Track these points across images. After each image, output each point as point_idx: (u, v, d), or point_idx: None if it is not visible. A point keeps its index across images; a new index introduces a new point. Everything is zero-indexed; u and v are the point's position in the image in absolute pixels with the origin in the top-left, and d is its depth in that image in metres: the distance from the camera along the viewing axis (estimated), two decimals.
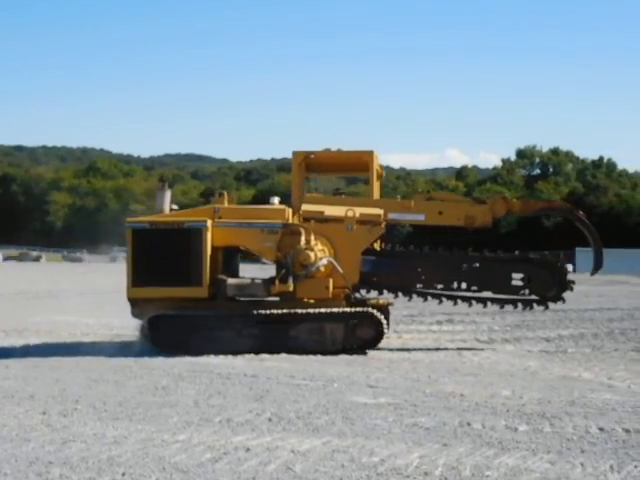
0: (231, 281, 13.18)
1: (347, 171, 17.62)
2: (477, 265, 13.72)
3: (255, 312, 13.06)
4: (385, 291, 13.96)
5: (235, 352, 12.62)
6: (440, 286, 13.81)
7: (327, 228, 13.59)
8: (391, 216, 13.95)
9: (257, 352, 12.64)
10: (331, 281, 13.32)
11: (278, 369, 11.27)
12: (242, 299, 13.37)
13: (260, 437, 7.33)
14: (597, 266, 14.18)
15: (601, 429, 7.61)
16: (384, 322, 13.24)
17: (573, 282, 13.71)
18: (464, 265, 13.70)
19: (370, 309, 13.20)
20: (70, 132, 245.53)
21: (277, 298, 13.36)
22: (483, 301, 13.85)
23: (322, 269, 13.23)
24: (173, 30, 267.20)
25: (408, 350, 13.51)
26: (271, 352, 12.63)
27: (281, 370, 11.18)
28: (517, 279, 13.73)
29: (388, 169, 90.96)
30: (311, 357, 12.39)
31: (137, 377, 10.63)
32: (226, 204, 13.87)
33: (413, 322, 17.81)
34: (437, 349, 13.65)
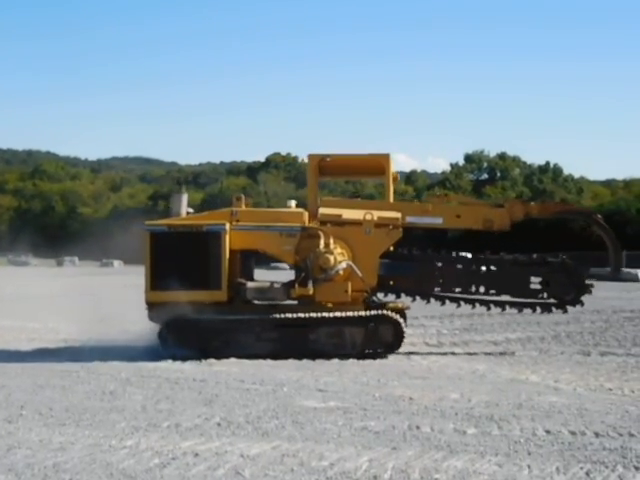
0: (250, 285, 13.16)
1: (362, 174, 17.10)
2: (495, 268, 13.71)
3: (274, 316, 13.01)
4: (403, 295, 13.86)
5: (254, 356, 12.56)
6: (458, 289, 13.78)
7: (345, 231, 13.48)
8: (409, 219, 13.83)
9: (276, 356, 12.58)
10: (350, 284, 13.24)
11: (227, 373, 11.22)
12: (259, 303, 13.31)
13: (209, 442, 7.29)
14: (617, 270, 14.21)
15: (548, 431, 7.69)
16: (404, 325, 13.22)
17: (592, 285, 13.67)
18: (482, 268, 13.70)
19: (390, 312, 13.13)
20: (15, 134, 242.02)
21: (295, 302, 13.28)
22: (501, 305, 13.79)
23: (341, 272, 13.15)
24: (117, 34, 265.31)
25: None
26: (290, 357, 12.58)
27: (230, 374, 11.12)
28: (535, 282, 13.71)
29: None
30: (261, 361, 12.36)
31: (84, 382, 10.51)
32: (243, 207, 13.82)
33: None
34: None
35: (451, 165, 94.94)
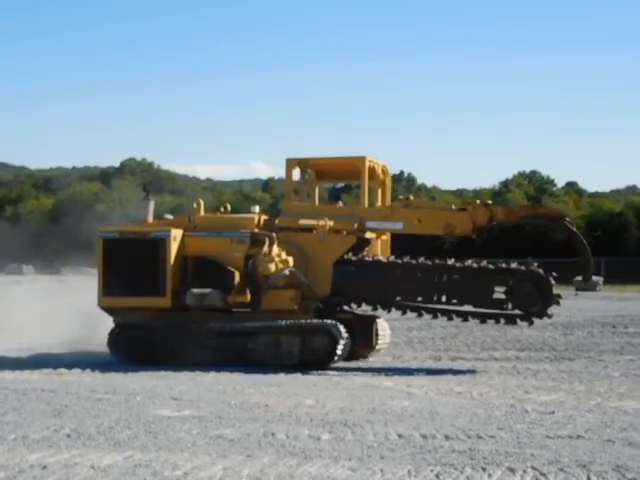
0: (190, 291, 12.80)
1: (341, 178, 16.63)
2: (457, 277, 12.99)
3: (212, 324, 12.76)
4: (363, 304, 13.41)
5: (195, 364, 12.29)
6: (420, 299, 13.10)
7: (300, 238, 13.21)
8: (369, 225, 13.43)
9: (218, 364, 12.31)
10: (297, 292, 12.93)
11: (79, 383, 10.93)
12: (202, 310, 13.02)
13: (58, 454, 7.06)
14: (587, 275, 13.61)
15: (400, 435, 7.82)
16: (342, 336, 12.62)
17: (559, 296, 12.81)
18: (444, 277, 12.99)
19: (330, 322, 12.68)
20: None
21: (247, 309, 13.01)
22: (464, 315, 13.09)
23: (285, 280, 12.82)
24: None
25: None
26: (231, 365, 12.33)
27: (82, 384, 10.84)
28: (500, 292, 12.93)
29: (194, 180, 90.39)
30: (112, 371, 12.09)
31: None
32: (202, 213, 13.44)
33: None
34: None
35: None
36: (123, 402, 9.56)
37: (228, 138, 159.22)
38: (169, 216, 14.16)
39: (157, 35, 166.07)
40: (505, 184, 74.23)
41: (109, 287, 13.06)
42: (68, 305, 19.59)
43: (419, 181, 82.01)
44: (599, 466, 6.66)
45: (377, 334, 13.97)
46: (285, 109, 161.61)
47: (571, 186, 75.62)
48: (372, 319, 13.88)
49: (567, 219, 13.60)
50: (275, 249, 12.89)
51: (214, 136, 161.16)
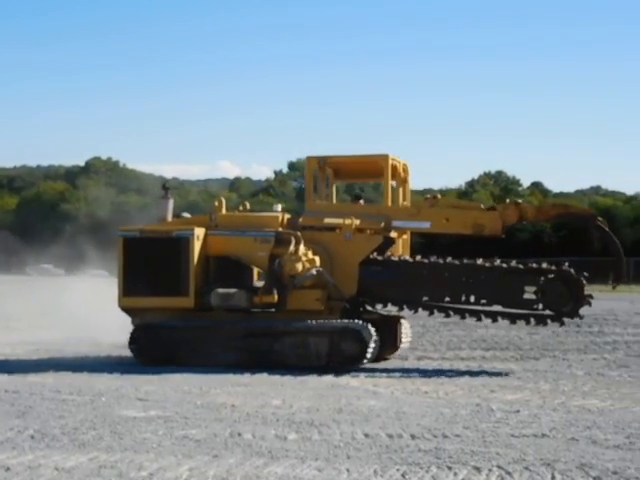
0: (215, 291, 12.59)
1: (363, 176, 16.31)
2: (487, 277, 12.78)
3: (239, 324, 12.58)
4: (390, 304, 13.22)
5: (220, 365, 12.14)
6: (447, 299, 12.91)
7: (325, 237, 13.00)
8: (395, 224, 13.20)
9: (244, 365, 12.13)
10: (323, 292, 12.73)
11: (42, 384, 10.83)
12: (229, 311, 12.83)
13: (22, 455, 6.98)
14: (619, 276, 13.59)
15: (366, 435, 7.83)
16: (373, 338, 12.45)
17: (591, 296, 12.66)
18: (473, 276, 12.80)
19: (360, 323, 12.50)
20: None
21: (271, 310, 12.80)
22: (493, 315, 12.90)
23: (311, 280, 12.61)
24: None
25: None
26: (257, 366, 12.16)
27: (46, 385, 10.74)
28: (530, 292, 12.75)
29: (160, 179, 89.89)
30: (77, 372, 12.00)
31: None
32: (224, 211, 13.25)
33: None
34: None
35: (275, 172, 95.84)
36: (88, 403, 9.49)
37: (194, 137, 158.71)
38: (186, 214, 13.93)
39: (119, 37, 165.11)
40: (471, 184, 74.69)
41: (129, 287, 12.81)
42: (34, 305, 19.50)
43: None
44: (563, 464, 6.72)
45: (401, 335, 13.95)
46: (253, 109, 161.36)
47: (536, 186, 76.30)
48: (397, 319, 13.81)
49: (599, 219, 13.39)
50: (302, 248, 12.67)
51: (180, 135, 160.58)
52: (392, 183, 13.72)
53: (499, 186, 75.60)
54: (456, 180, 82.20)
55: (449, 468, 6.63)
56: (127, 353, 14.59)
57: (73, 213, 71.56)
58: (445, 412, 9.01)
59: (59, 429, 8.02)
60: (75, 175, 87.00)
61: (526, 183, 78.82)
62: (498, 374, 12.31)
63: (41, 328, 17.19)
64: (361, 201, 14.60)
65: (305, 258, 12.63)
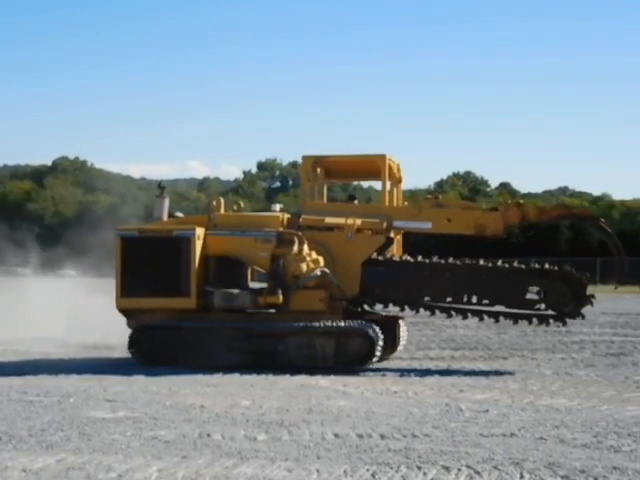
0: (218, 292, 12.43)
1: (359, 176, 16.03)
2: (489, 277, 12.84)
3: (242, 325, 12.44)
4: (391, 304, 13.16)
5: (223, 366, 11.99)
6: (449, 299, 12.92)
7: (326, 237, 12.90)
8: (396, 224, 13.13)
9: (246, 367, 12.00)
10: (326, 293, 12.64)
11: (9, 386, 10.72)
12: (237, 311, 12.69)
13: None
14: (621, 276, 13.38)
15: (336, 435, 7.84)
16: (378, 337, 12.39)
17: (593, 296, 12.77)
18: (475, 277, 12.86)
19: (364, 323, 12.46)
20: None
21: (272, 310, 12.69)
22: (495, 315, 12.92)
23: (315, 280, 12.52)
24: None
25: None
26: (260, 367, 12.04)
27: (12, 386, 10.64)
28: (533, 292, 12.85)
29: (128, 178, 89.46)
30: (44, 373, 11.90)
31: None
32: (222, 211, 13.11)
33: None
34: None
35: (244, 172, 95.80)
36: (56, 404, 9.42)
37: (163, 137, 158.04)
38: (180, 214, 13.76)
39: (87, 38, 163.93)
40: (440, 184, 75.07)
41: (128, 288, 12.59)
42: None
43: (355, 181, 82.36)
44: (532, 464, 6.76)
45: (400, 335, 13.96)
46: (222, 109, 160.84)
47: (504, 187, 76.80)
48: (395, 320, 13.79)
49: (601, 219, 13.52)
50: (305, 249, 12.62)
51: (149, 135, 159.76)
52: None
53: (468, 186, 76.05)
54: (425, 180, 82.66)
55: (418, 468, 6.65)
56: (95, 354, 14.54)
57: (40, 213, 71.00)
58: (414, 412, 9.04)
59: (26, 431, 7.95)
60: (42, 175, 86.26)
61: (494, 183, 79.37)
62: (467, 374, 12.38)
63: (7, 328, 17.00)
64: (355, 201, 14.55)
65: (309, 258, 12.60)
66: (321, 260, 12.71)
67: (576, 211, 14.74)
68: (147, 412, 8.92)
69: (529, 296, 12.84)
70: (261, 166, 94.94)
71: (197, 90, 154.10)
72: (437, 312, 13.12)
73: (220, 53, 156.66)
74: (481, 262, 12.99)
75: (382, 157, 13.45)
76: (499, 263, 13.01)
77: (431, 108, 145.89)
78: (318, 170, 13.74)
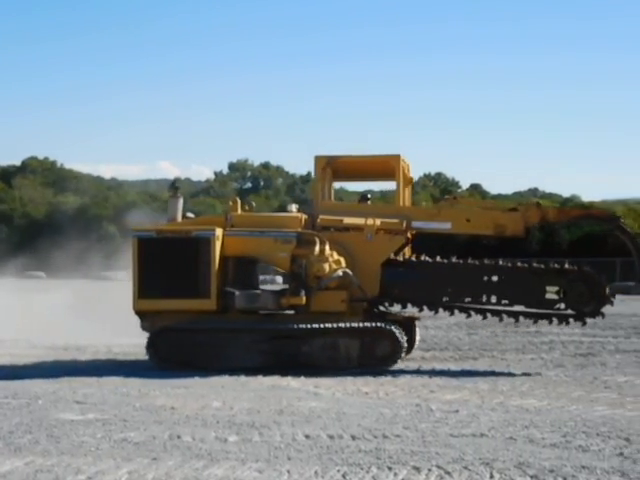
0: (239, 293, 12.28)
1: (372, 177, 15.97)
2: (508, 277, 12.82)
3: (265, 326, 12.32)
4: (410, 305, 13.08)
5: (244, 369, 11.85)
6: (468, 299, 12.92)
7: (345, 237, 12.78)
8: (415, 224, 13.02)
9: (268, 368, 11.88)
10: (347, 294, 12.55)
11: None
12: (256, 312, 12.54)
13: None
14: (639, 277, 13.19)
15: (307, 436, 7.84)
16: (402, 338, 12.40)
17: (613, 296, 12.89)
18: (494, 277, 12.82)
19: (387, 324, 12.41)
20: None
21: (292, 312, 12.56)
22: (515, 315, 12.88)
23: (337, 281, 12.42)
24: None
25: (119, 362, 13.25)
26: (283, 368, 11.94)
27: None
28: (552, 292, 12.85)
29: (98, 179, 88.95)
30: (13, 375, 11.79)
31: None
32: (239, 211, 12.96)
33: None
34: (148, 361, 13.47)
35: (215, 173, 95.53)
36: (24, 406, 9.34)
37: (133, 137, 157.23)
38: (191, 214, 13.60)
39: (55, 39, 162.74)
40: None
41: (145, 289, 12.39)
42: None
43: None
44: (502, 463, 6.80)
45: (415, 335, 13.97)
46: (192, 110, 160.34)
47: (475, 188, 77.13)
48: (412, 320, 13.77)
49: (621, 220, 13.52)
50: (327, 249, 12.53)
51: (118, 135, 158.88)
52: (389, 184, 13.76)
53: (439, 187, 76.32)
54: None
55: (389, 468, 6.67)
56: (64, 356, 14.42)
57: (8, 214, 70.39)
58: (385, 412, 9.06)
59: None
60: (11, 175, 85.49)
61: (465, 184, 79.69)
62: (438, 374, 12.42)
63: None
64: (368, 202, 14.43)
65: (331, 259, 12.54)
66: (342, 261, 12.66)
67: (595, 212, 14.75)
68: (117, 414, 8.87)
69: (549, 296, 12.88)
70: (232, 167, 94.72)
71: (167, 90, 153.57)
72: (456, 312, 13.13)
73: (193, 55, 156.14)
74: (500, 262, 13.04)
75: (397, 157, 13.40)
76: (518, 263, 13.07)
77: (401, 108, 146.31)
78: (327, 170, 13.66)
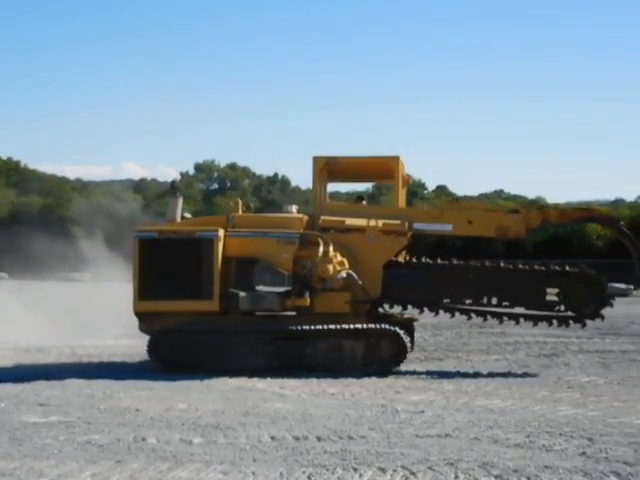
0: (244, 294, 12.13)
1: (371, 178, 15.76)
2: (509, 279, 12.88)
3: (269, 328, 12.19)
4: (410, 306, 13.04)
5: (248, 370, 11.71)
6: (469, 301, 12.95)
7: (347, 239, 12.68)
8: (417, 226, 12.97)
9: (272, 370, 11.76)
10: (351, 295, 12.47)
11: None
12: (257, 314, 12.41)
13: None
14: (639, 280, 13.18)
15: (273, 437, 7.83)
16: (406, 340, 12.41)
17: (613, 298, 12.92)
18: (495, 279, 12.88)
19: (391, 326, 12.35)
20: None
21: (294, 313, 12.43)
22: (515, 317, 12.98)
23: (341, 282, 12.33)
24: None
25: (81, 364, 13.15)
26: (287, 370, 11.82)
27: None
28: (552, 294, 12.92)
29: (63, 180, 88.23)
30: None
31: None
32: (240, 212, 12.82)
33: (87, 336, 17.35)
34: (113, 363, 13.39)
35: (181, 174, 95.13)
36: None
37: (99, 138, 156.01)
38: (188, 215, 13.44)
39: (23, 36, 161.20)
40: (378, 187, 75.41)
41: (146, 290, 12.24)
42: None
43: (293, 183, 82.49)
44: (466, 464, 6.83)
45: (414, 337, 13.98)
46: (158, 110, 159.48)
47: (441, 189, 77.52)
48: (412, 322, 13.75)
49: (621, 222, 13.59)
50: (331, 250, 12.47)
51: (84, 136, 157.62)
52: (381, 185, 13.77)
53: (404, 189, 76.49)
54: (363, 183, 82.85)
55: (354, 469, 6.68)
56: (27, 358, 14.27)
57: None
58: (351, 413, 9.07)
59: None
60: None
61: (431, 186, 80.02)
62: (403, 375, 12.45)
63: None
64: (364, 202, 14.43)
65: (335, 260, 12.49)
66: (346, 262, 12.62)
67: (596, 213, 14.64)
68: (81, 416, 8.80)
69: (549, 298, 12.95)
70: (198, 168, 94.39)
71: (133, 92, 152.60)
72: (457, 314, 13.15)
73: (164, 58, 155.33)
74: (501, 264, 13.10)
75: (396, 159, 13.39)
76: (519, 265, 13.09)
77: (368, 111, 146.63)
78: (324, 171, 13.58)
